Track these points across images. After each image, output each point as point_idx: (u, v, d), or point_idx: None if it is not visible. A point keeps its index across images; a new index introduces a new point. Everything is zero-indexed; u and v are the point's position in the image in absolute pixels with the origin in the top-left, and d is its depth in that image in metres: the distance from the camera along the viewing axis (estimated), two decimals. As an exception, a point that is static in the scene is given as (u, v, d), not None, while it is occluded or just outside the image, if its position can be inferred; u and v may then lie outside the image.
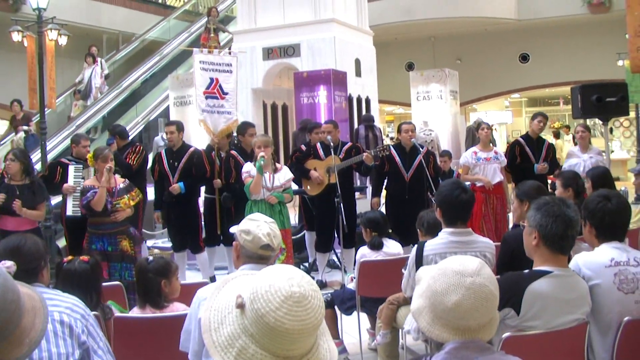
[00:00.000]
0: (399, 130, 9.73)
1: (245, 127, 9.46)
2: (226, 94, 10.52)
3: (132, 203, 7.66)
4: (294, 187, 10.40)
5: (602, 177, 6.99)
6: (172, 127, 9.41)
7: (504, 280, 3.82)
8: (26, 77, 14.98)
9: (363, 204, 12.07)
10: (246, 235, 3.57)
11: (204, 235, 9.67)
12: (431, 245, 4.92)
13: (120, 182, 7.64)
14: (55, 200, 12.33)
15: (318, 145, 9.55)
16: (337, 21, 14.81)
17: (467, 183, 10.54)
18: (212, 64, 10.53)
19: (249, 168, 8.07)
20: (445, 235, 4.92)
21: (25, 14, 16.77)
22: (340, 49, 14.61)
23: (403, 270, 5.27)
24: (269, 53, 15.02)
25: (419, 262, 4.94)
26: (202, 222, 9.71)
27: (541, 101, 30.76)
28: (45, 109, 11.10)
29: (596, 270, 3.92)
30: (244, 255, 3.60)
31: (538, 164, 9.89)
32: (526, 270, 3.77)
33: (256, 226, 3.58)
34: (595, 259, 3.99)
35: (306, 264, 10.33)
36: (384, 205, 9.61)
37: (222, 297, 2.20)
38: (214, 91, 10.42)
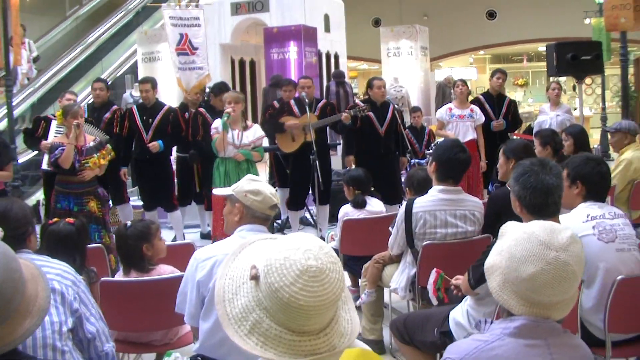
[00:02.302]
0: (369, 86, 9.61)
1: (221, 91, 9.21)
2: (196, 49, 10.35)
3: (102, 162, 7.46)
4: (266, 143, 10.30)
5: (583, 135, 7.10)
6: (147, 84, 9.08)
7: None
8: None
9: (334, 161, 12.03)
10: (255, 196, 3.51)
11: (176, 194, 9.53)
12: (421, 202, 4.94)
13: (90, 139, 7.45)
14: (24, 158, 12.16)
15: (292, 102, 9.41)
16: (306, -25, 14.60)
17: (440, 139, 10.60)
18: (181, 18, 10.32)
19: (217, 124, 7.92)
20: (436, 192, 4.94)
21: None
22: (310, 4, 14.43)
23: (391, 228, 5.24)
24: (237, 8, 14.79)
25: (409, 219, 4.95)
26: (175, 181, 9.55)
27: (505, 58, 30.78)
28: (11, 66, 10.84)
29: (575, 227, 3.97)
30: (250, 216, 3.55)
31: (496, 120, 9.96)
32: None
33: (263, 186, 3.54)
34: (572, 218, 4.13)
35: (279, 221, 10.27)
36: (356, 162, 9.51)
37: (237, 265, 2.05)
38: (184, 47, 10.25)
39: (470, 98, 10.77)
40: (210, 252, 3.49)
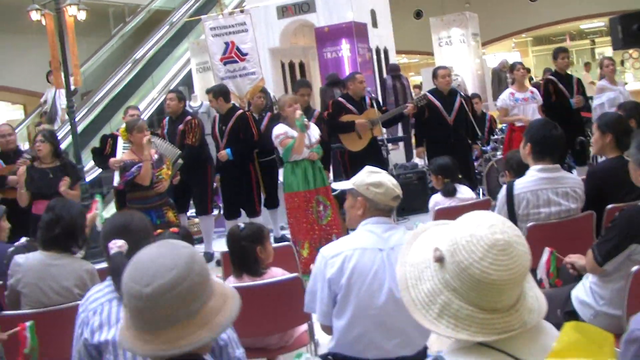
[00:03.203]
0: (434, 76, 9.54)
1: (300, 86, 9.18)
2: (245, 54, 10.27)
3: (170, 172, 7.49)
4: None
5: None
6: (209, 95, 9.13)
7: (623, 218, 3.73)
8: (41, 58, 14.62)
9: (397, 155, 11.96)
10: (377, 188, 3.46)
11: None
12: (521, 184, 4.86)
13: (153, 153, 7.45)
14: (91, 177, 12.24)
15: (342, 100, 9.29)
16: (349, -28, 14.56)
17: (504, 125, 10.48)
18: (225, 27, 10.26)
19: (284, 129, 7.75)
20: (534, 172, 4.86)
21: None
22: (356, 1, 14.37)
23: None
24: (283, 11, 14.78)
25: (510, 201, 4.87)
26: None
27: (546, 39, 30.42)
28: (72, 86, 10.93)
29: None
30: (373, 209, 3.49)
31: (572, 99, 9.82)
32: None
33: (384, 177, 3.47)
34: None
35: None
36: (427, 153, 9.46)
37: (416, 250, 2.03)
38: (232, 55, 10.18)
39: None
40: (338, 248, 3.44)
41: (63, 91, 15.18)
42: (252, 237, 4.44)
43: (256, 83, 10.25)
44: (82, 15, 11.09)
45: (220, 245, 9.67)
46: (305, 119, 7.57)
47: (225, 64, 10.18)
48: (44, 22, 11.15)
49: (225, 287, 2.19)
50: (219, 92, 9.12)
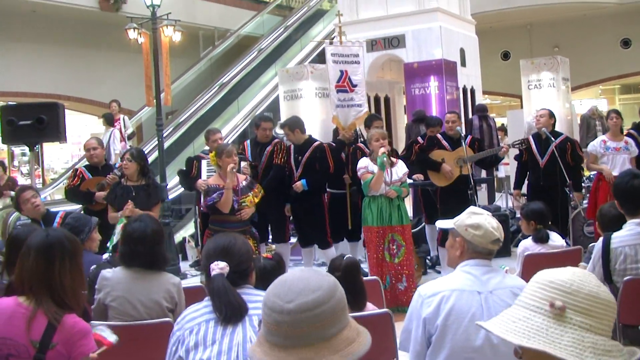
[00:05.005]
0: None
1: (371, 120, 9.26)
2: (355, 85, 10.30)
3: (256, 200, 7.50)
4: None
5: None
6: (285, 128, 9.24)
7: None
8: (130, 76, 14.84)
9: (480, 196, 11.82)
10: (475, 230, 3.38)
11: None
12: (619, 237, 4.75)
13: (242, 179, 7.48)
14: (173, 194, 12.40)
15: (439, 136, 9.42)
16: (441, 10, 14.56)
17: (593, 173, 10.25)
18: (342, 55, 10.31)
19: (365, 163, 7.90)
20: (633, 226, 4.75)
21: (125, 12, 16.96)
22: (446, 39, 14.35)
23: (584, 263, 5.07)
24: (372, 45, 14.80)
25: (606, 255, 4.74)
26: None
27: (635, 88, 29.78)
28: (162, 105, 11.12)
29: None
30: (471, 251, 3.41)
31: None
32: None
33: (484, 220, 3.40)
34: None
35: (430, 257, 10.11)
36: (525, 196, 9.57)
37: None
38: (344, 84, 10.21)
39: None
40: (436, 287, 3.38)
41: (117, 133, 15.45)
42: (359, 268, 4.46)
43: (360, 116, 10.25)
44: (177, 37, 11.33)
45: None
46: (386, 158, 7.60)
47: (338, 92, 10.22)
48: (139, 41, 11.38)
49: (359, 326, 2.16)
50: (294, 125, 9.22)
